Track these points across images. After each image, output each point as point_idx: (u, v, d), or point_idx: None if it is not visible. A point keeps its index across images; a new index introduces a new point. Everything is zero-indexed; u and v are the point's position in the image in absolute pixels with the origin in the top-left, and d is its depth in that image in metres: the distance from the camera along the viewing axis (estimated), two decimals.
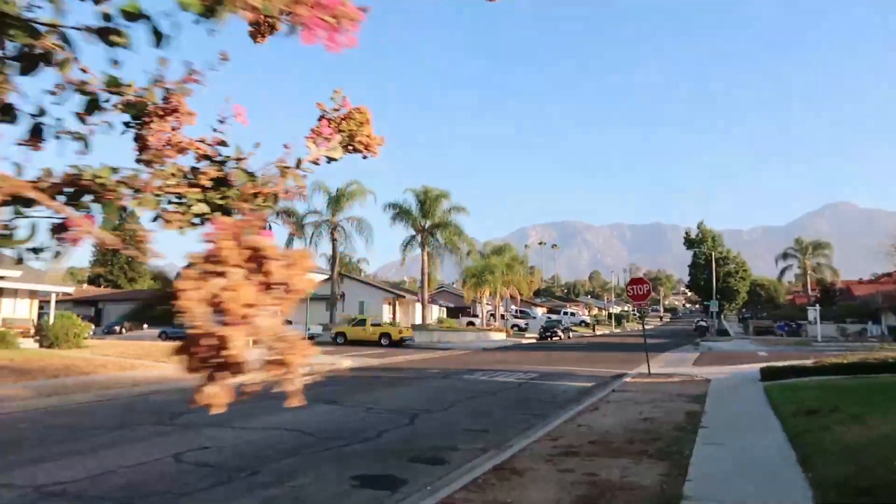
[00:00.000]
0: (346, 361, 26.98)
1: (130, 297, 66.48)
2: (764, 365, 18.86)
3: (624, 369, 22.54)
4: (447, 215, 49.26)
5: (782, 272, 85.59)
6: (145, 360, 22.80)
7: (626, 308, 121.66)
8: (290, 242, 49.50)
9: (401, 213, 48.56)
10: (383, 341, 39.74)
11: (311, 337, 42.31)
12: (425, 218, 48.81)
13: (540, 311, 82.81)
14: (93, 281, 79.19)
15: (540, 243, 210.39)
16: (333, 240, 49.25)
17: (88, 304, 65.16)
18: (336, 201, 48.85)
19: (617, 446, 9.12)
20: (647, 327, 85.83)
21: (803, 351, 33.06)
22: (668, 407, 12.68)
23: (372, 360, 28.40)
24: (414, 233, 49.39)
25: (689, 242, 72.43)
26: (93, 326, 37.69)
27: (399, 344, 39.86)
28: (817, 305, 44.57)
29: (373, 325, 40.97)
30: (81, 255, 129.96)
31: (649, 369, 20.15)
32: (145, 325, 55.85)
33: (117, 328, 54.07)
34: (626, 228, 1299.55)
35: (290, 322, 38.66)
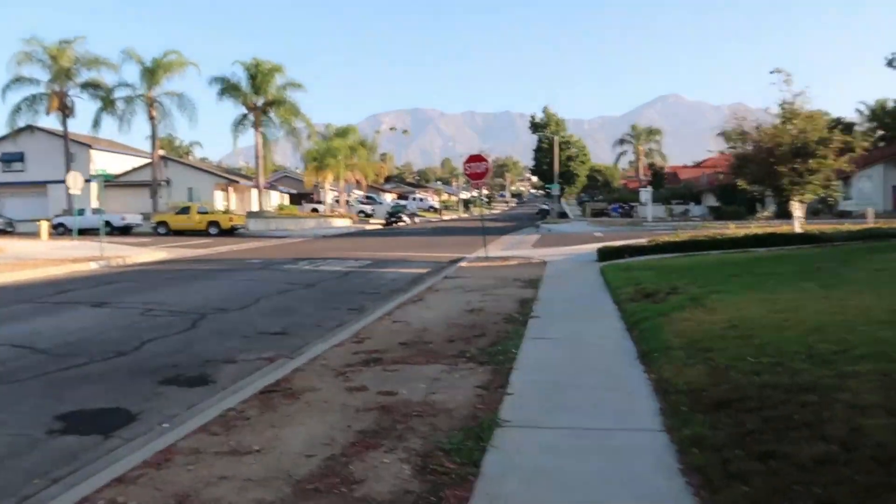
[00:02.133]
0: (157, 253, 23.70)
1: None
2: (601, 245, 18.32)
3: (463, 253, 21.37)
4: (282, 92, 44.74)
5: (618, 157, 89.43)
6: None
7: (474, 193, 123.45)
8: (97, 120, 43.02)
9: (229, 87, 43.31)
10: (212, 230, 36.20)
11: (127, 228, 37.80)
12: (257, 94, 43.98)
13: (389, 197, 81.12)
14: None
15: (391, 129, 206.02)
16: (151, 118, 43.31)
17: None
18: (151, 73, 42.54)
19: (432, 347, 7.48)
20: (493, 212, 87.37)
21: (636, 230, 34.08)
22: (500, 294, 11.34)
23: (191, 251, 25.27)
24: (245, 111, 44.59)
25: (535, 126, 72.79)
26: None
27: (230, 233, 36.55)
28: (650, 187, 46.46)
29: (199, 212, 37.06)
30: None
31: (486, 253, 19.04)
32: None
33: None
34: (478, 116, 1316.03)
35: (98, 210, 33.76)
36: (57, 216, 41.04)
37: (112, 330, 9.11)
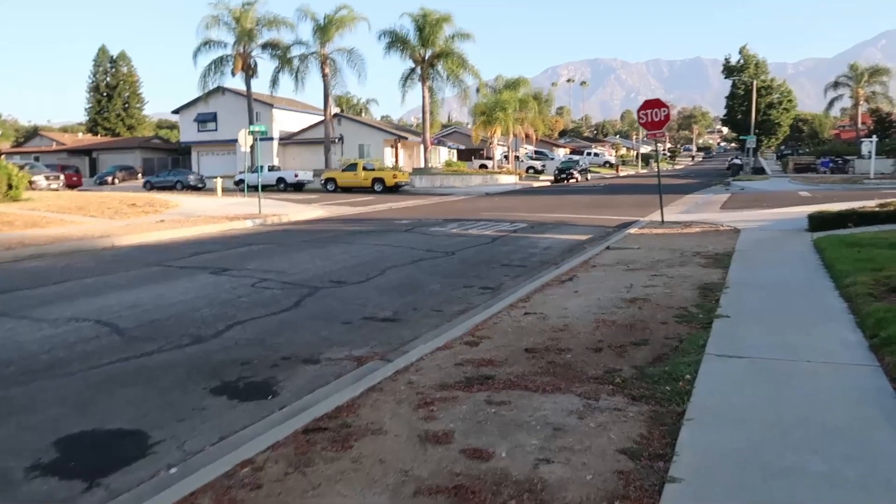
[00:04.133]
0: (315, 211, 23.46)
1: (127, 145, 63.02)
2: (813, 209, 14.66)
3: (635, 216, 18.56)
4: (450, 43, 43.19)
5: (830, 104, 77.46)
6: (75, 216, 19.46)
7: (657, 147, 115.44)
8: (275, 79, 44.56)
9: (396, 41, 42.58)
10: (377, 187, 36.01)
11: (299, 185, 38.86)
12: (424, 47, 42.84)
13: (562, 152, 77.63)
14: (90, 129, 75.59)
15: (568, 81, 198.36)
16: (324, 75, 44.01)
17: (83, 154, 62.13)
18: (324, 30, 43.02)
19: (569, 359, 5.36)
20: (676, 167, 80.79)
21: (855, 189, 28.44)
22: (674, 275, 8.78)
23: (348, 209, 24.84)
24: (413, 65, 43.75)
25: (729, 70, 64.65)
26: (40, 178, 34.59)
27: (394, 189, 36.14)
28: (874, 137, 38.93)
29: (365, 169, 37.01)
30: (75, 103, 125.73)
31: (662, 217, 16.09)
32: (139, 175, 52.85)
33: (109, 178, 51.06)
34: (664, 64, 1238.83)
35: (273, 168, 34.99)
36: (241, 172, 43.42)
37: (209, 306, 8.01)
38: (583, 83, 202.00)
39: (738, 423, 3.87)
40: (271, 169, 40.89)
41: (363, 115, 74.93)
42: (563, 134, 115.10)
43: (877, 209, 12.81)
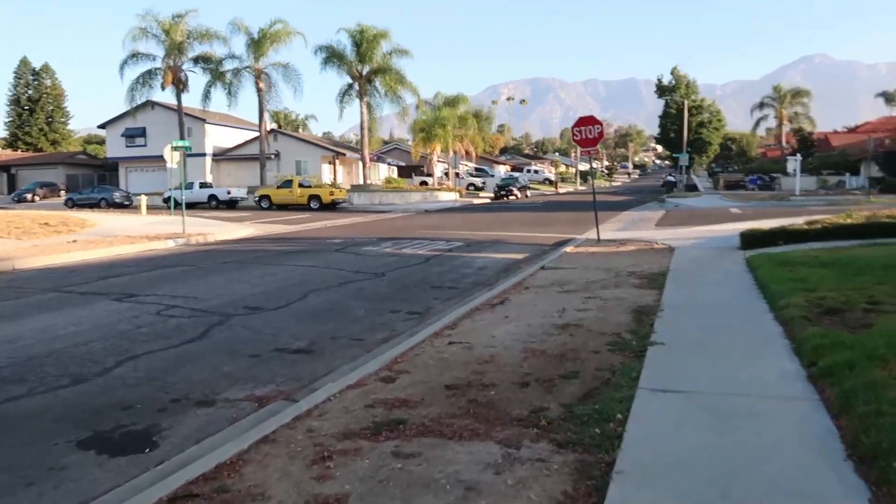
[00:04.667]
0: (244, 230, 22.50)
1: (50, 160, 59.95)
2: (744, 226, 14.72)
3: (572, 233, 18.39)
4: (388, 59, 42.77)
5: (757, 123, 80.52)
6: None
7: (594, 165, 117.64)
8: (207, 94, 43.16)
9: (333, 56, 41.85)
10: (313, 205, 35.12)
11: (232, 202, 37.63)
12: (362, 63, 42.27)
13: (503, 169, 78.12)
14: (10, 144, 71.72)
15: (508, 99, 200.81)
16: (258, 90, 42.89)
17: (0, 171, 58.75)
18: (258, 44, 41.97)
19: (492, 397, 4.85)
20: (613, 184, 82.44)
21: (782, 206, 29.28)
22: (608, 298, 8.43)
23: (281, 228, 23.95)
24: (350, 80, 43.11)
25: (661, 90, 66.51)
26: None
27: (332, 207, 35.33)
28: (798, 156, 40.36)
29: (301, 186, 36.06)
30: None
31: (598, 235, 15.92)
32: (62, 192, 50.18)
33: (28, 196, 48.34)
34: (600, 84, 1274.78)
35: (205, 185, 33.71)
36: (170, 189, 41.69)
37: (102, 338, 7.18)
38: (522, 101, 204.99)
39: (674, 475, 3.41)
40: (203, 186, 39.46)
41: (301, 130, 73.62)
42: (503, 151, 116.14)
43: (805, 227, 12.90)
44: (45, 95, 72.79)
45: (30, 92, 72.64)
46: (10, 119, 72.64)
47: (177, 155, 22.18)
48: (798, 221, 14.42)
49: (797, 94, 73.54)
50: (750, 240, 12.71)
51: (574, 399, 4.78)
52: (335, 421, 4.47)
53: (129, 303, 9.20)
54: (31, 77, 73.12)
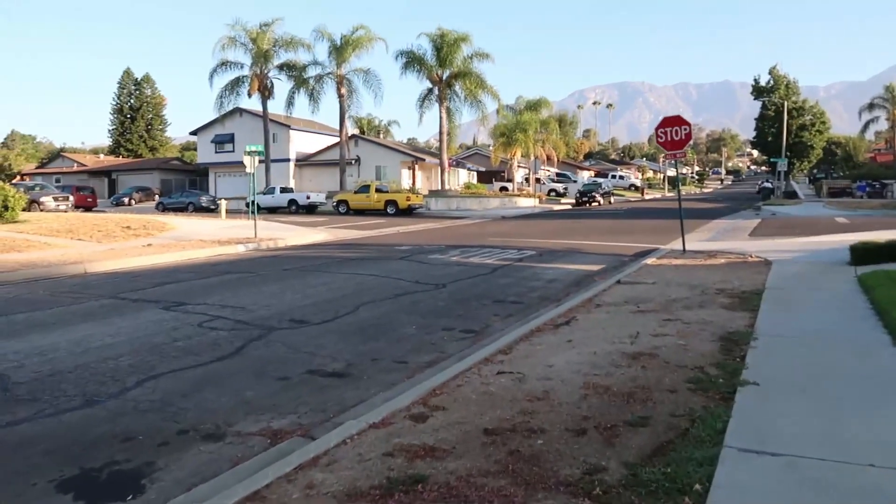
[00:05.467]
0: (316, 235, 22.35)
1: (146, 166, 63.03)
2: (854, 238, 13.04)
3: (656, 243, 17.05)
4: (468, 63, 42.17)
5: (865, 126, 74.83)
6: (62, 238, 18.55)
7: (684, 171, 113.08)
8: (291, 100, 43.95)
9: (413, 60, 41.66)
10: (389, 209, 34.87)
11: (312, 207, 37.97)
12: (442, 67, 41.88)
13: (586, 175, 76.02)
14: (113, 151, 76.06)
15: (594, 103, 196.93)
16: (340, 95, 43.27)
17: (103, 175, 62.26)
18: (340, 50, 42.36)
19: (539, 449, 3.98)
20: (704, 191, 78.64)
21: None
22: (690, 321, 7.32)
23: (354, 233, 23.69)
24: (430, 85, 42.80)
25: (758, 91, 62.61)
26: (35, 198, 34.04)
27: (408, 212, 34.98)
28: None
29: (378, 191, 35.94)
30: (98, 125, 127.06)
31: (684, 245, 14.56)
32: (157, 196, 52.50)
33: (126, 199, 50.81)
34: (692, 88, 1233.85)
35: (285, 189, 34.16)
36: (253, 194, 42.55)
37: (133, 352, 6.77)
38: (609, 106, 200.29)
39: None
40: (283, 190, 40.06)
41: (384, 136, 74.26)
42: (588, 156, 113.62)
43: None
44: (145, 104, 76.83)
45: (132, 101, 76.89)
46: (114, 127, 77.09)
47: (254, 160, 22.32)
48: None
49: None
50: (862, 254, 11.13)
51: (641, 456, 3.83)
52: (343, 473, 3.72)
53: (175, 312, 8.84)
54: (133, 87, 77.38)
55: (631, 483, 3.47)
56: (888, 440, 3.84)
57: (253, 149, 21.20)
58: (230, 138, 51.83)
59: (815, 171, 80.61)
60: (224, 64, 43.90)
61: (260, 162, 24.15)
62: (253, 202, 25.24)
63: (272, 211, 37.43)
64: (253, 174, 21.39)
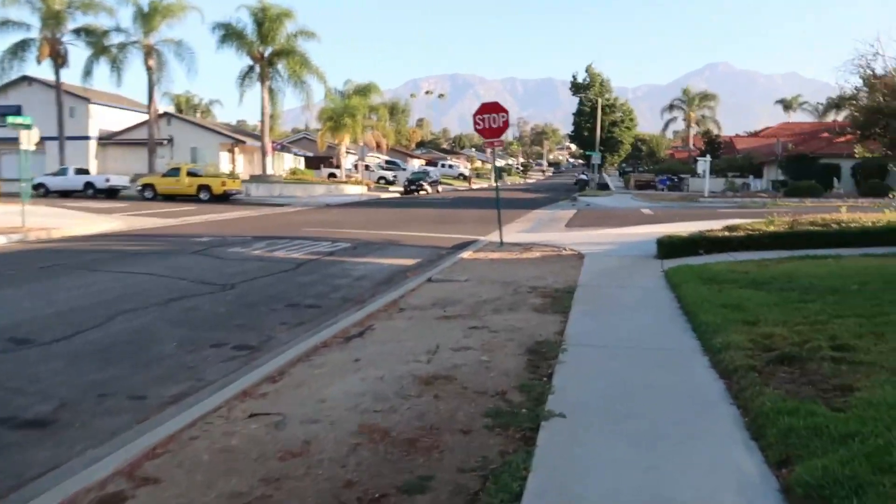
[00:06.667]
0: (107, 223, 19.51)
1: None
2: (658, 230, 13.32)
3: (477, 234, 16.59)
4: (292, 41, 39.76)
5: (666, 125, 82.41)
6: None
7: (509, 161, 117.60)
8: (89, 69, 38.86)
9: (231, 34, 38.44)
10: (202, 195, 31.89)
11: (112, 191, 33.89)
12: (264, 43, 39.08)
13: (416, 163, 76.04)
14: None
15: (427, 92, 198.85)
16: (148, 68, 38.96)
17: None
18: (148, 17, 38.09)
19: None
20: (527, 181, 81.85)
21: (693, 207, 28.70)
22: (498, 328, 6.54)
23: (154, 222, 21.03)
24: (251, 62, 39.83)
25: (576, 87, 66.21)
26: None
27: (224, 198, 32.21)
28: (707, 157, 40.44)
29: (190, 174, 32.74)
30: None
31: (501, 238, 14.14)
32: None
33: None
34: (519, 83, 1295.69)
35: (81, 171, 29.96)
36: (46, 175, 37.17)
37: None
38: (441, 95, 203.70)
39: None
40: (79, 172, 35.37)
41: (203, 116, 68.94)
42: (420, 145, 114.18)
43: (727, 234, 11.53)
44: None
45: None
46: None
47: (33, 135, 18.88)
48: (714, 226, 13.13)
49: (705, 97, 75.48)
50: (668, 248, 11.23)
51: None
52: None
53: None
54: None
55: None
56: (709, 487, 3.12)
57: (18, 121, 17.85)
58: (16, 110, 44.75)
59: (624, 164, 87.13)
60: (5, 23, 37.74)
61: (50, 139, 20.57)
62: (29, 183, 21.55)
63: (65, 195, 32.81)
64: (27, 152, 18.06)
